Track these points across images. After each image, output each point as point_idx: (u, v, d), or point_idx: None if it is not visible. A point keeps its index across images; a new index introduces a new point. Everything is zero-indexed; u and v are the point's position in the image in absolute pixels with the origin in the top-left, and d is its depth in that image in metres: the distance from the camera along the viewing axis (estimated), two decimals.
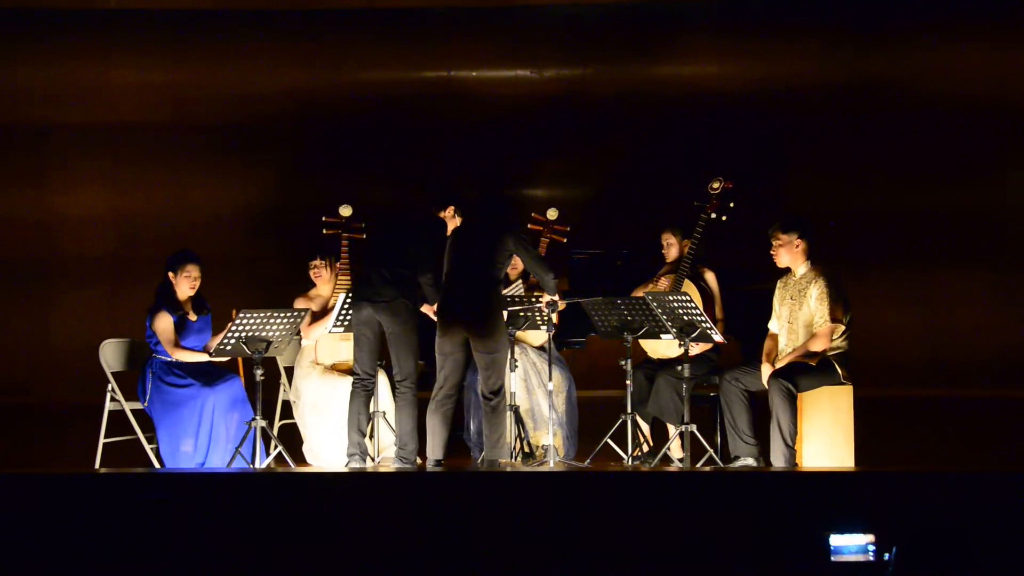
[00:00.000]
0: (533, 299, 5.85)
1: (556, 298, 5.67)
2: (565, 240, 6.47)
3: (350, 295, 5.88)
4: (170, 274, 5.86)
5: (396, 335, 5.57)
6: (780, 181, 7.59)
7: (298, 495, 4.93)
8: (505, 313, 5.68)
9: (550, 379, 5.78)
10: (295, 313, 5.67)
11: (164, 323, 5.79)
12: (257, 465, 5.55)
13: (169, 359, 5.78)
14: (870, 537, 4.49)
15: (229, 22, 7.78)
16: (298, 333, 6.00)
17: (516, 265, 6.24)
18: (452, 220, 5.84)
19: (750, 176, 6.73)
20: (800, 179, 7.58)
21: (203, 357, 5.82)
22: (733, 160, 7.34)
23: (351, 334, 5.75)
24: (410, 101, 7.80)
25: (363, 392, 5.68)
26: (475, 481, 5.19)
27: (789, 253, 5.62)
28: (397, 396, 5.65)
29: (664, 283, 6.08)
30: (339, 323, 5.93)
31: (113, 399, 5.83)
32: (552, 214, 6.44)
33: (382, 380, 5.99)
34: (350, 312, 5.82)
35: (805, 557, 4.57)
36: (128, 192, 7.86)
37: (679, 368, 5.66)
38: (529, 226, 6.45)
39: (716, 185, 6.05)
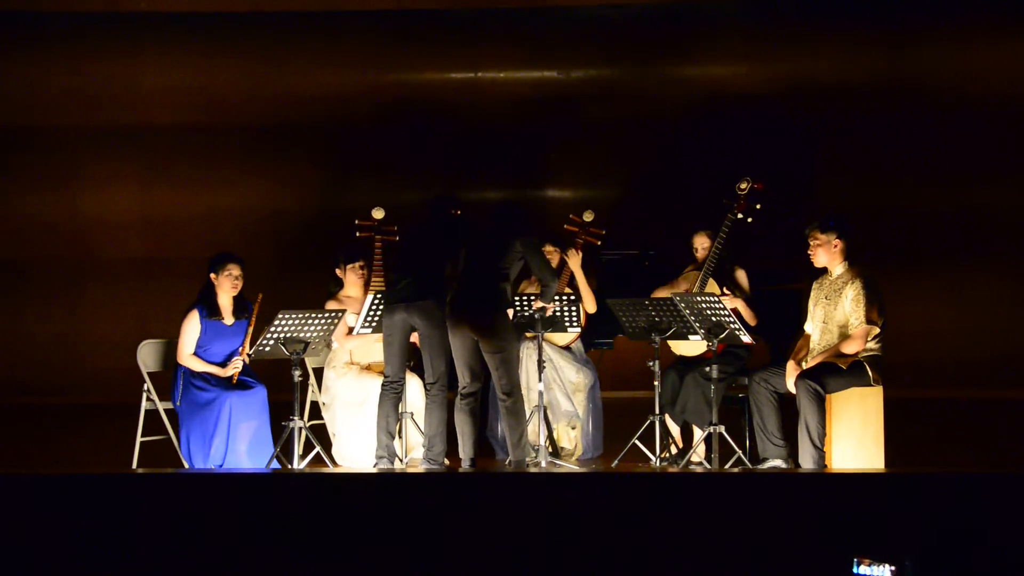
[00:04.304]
0: (526, 300, 5.90)
1: (548, 307, 5.70)
2: (600, 243, 6.48)
3: (379, 296, 5.91)
4: (212, 275, 5.85)
5: (429, 336, 5.60)
6: (811, 181, 7.57)
7: (328, 496, 4.96)
8: (511, 312, 5.73)
9: (537, 371, 5.76)
10: (333, 314, 5.71)
11: (189, 325, 5.79)
12: (295, 466, 5.60)
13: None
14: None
15: (260, 25, 7.84)
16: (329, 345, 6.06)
17: None
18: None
19: (780, 175, 6.70)
20: (830, 179, 7.55)
21: (211, 370, 5.78)
22: (763, 160, 7.32)
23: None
24: (437, 103, 7.83)
25: (392, 395, 5.71)
26: (502, 482, 5.20)
27: (827, 253, 5.59)
28: (428, 398, 5.68)
29: (683, 284, 6.09)
30: (367, 323, 5.97)
31: (149, 399, 5.89)
32: (588, 216, 6.43)
33: (411, 381, 6.03)
34: (378, 313, 5.85)
35: (832, 559, 4.56)
36: (159, 194, 7.93)
37: (707, 369, 5.66)
38: (565, 227, 6.47)
39: (744, 185, 5.99)
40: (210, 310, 5.81)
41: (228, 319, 5.88)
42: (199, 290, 5.87)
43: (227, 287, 5.85)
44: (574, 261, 6.22)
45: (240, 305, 5.91)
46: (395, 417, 5.73)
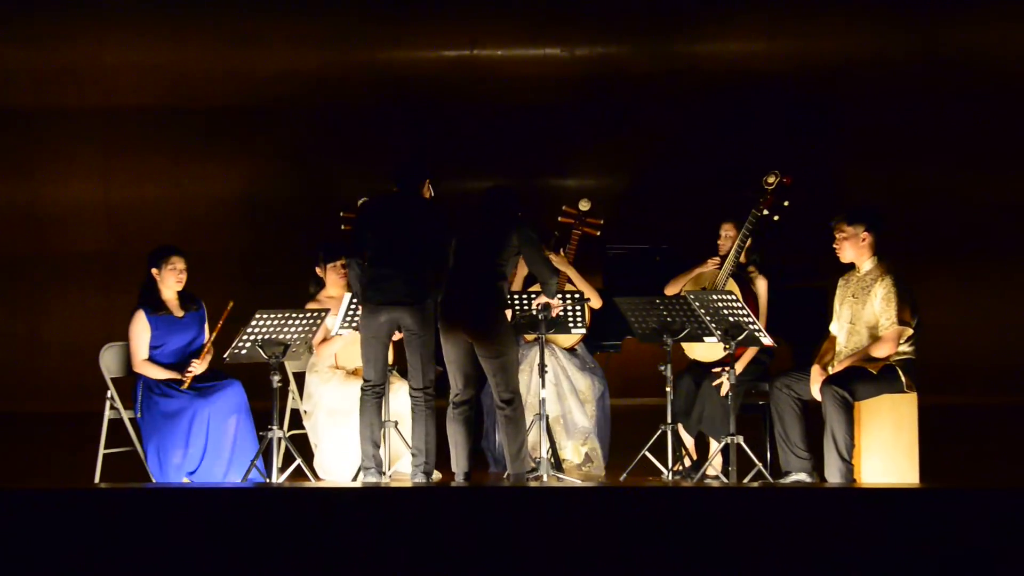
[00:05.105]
0: (528, 297, 5.88)
1: (552, 302, 5.68)
2: (599, 233, 6.46)
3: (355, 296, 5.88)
4: (153, 270, 5.88)
5: (421, 340, 5.57)
6: (834, 168, 7.57)
7: (310, 512, 4.95)
8: (509, 313, 5.71)
9: (539, 377, 5.71)
10: (315, 314, 5.69)
11: (137, 328, 5.80)
12: (274, 479, 5.59)
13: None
14: None
15: None
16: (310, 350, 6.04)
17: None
18: (428, 193, 5.77)
19: (802, 162, 6.69)
20: (856, 166, 7.55)
21: (170, 375, 5.78)
22: (785, 145, 7.32)
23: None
24: (429, 83, 7.83)
25: (376, 400, 5.69)
26: (500, 497, 5.19)
27: (854, 247, 5.58)
28: (415, 405, 5.66)
29: (701, 276, 6.07)
30: (347, 323, 5.95)
31: (112, 407, 5.88)
32: (584, 205, 6.41)
33: (399, 386, 6.01)
34: (357, 312, 5.82)
35: None
36: (123, 182, 7.92)
37: (715, 384, 5.65)
38: (560, 219, 6.45)
39: (771, 180, 5.95)
40: (155, 306, 5.82)
41: (177, 312, 5.88)
42: (139, 289, 5.87)
43: (171, 282, 5.87)
44: (562, 260, 6.21)
45: (187, 298, 5.92)
46: (379, 424, 5.72)
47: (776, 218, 5.94)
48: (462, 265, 5.58)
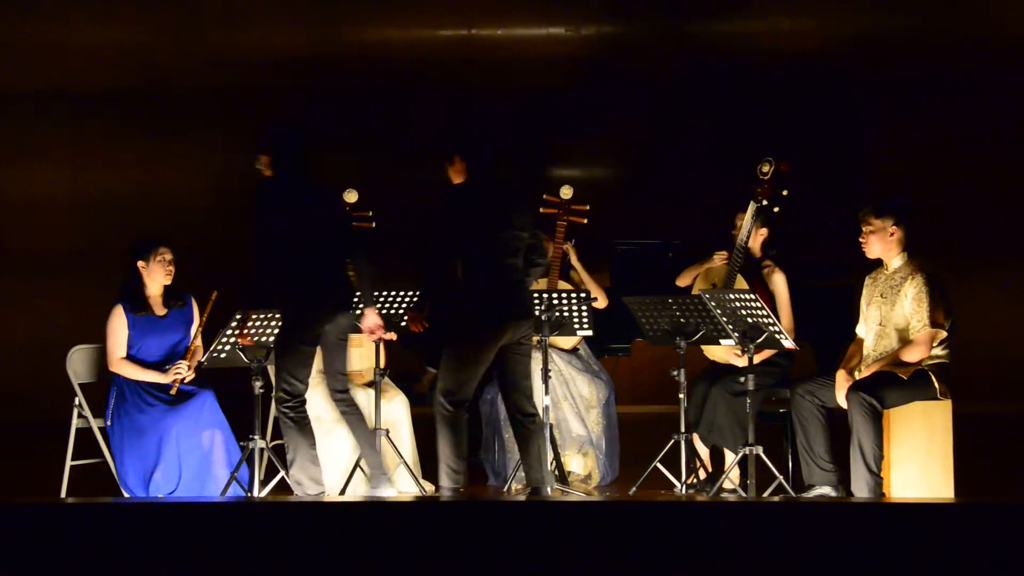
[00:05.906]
0: None
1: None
2: (585, 221, 6.37)
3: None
4: (139, 264, 5.85)
5: (347, 343, 5.57)
6: (866, 157, 7.56)
7: (294, 529, 4.94)
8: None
9: (543, 382, 5.71)
10: None
11: (115, 324, 5.78)
12: (255, 493, 5.57)
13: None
14: None
15: None
16: None
17: None
18: None
19: (831, 151, 6.66)
20: (890, 155, 7.54)
21: (149, 376, 5.75)
22: (811, 132, 7.30)
23: (361, 337, 5.71)
24: (424, 64, 7.83)
25: (306, 414, 5.55)
26: (499, 512, 5.18)
27: (882, 242, 5.57)
28: (347, 409, 5.58)
29: (697, 275, 6.02)
30: None
31: (80, 415, 5.86)
32: (566, 192, 6.29)
33: (394, 394, 6.03)
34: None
35: None
36: (92, 171, 7.92)
37: (741, 379, 5.62)
38: (541, 209, 6.38)
39: (766, 168, 5.92)
40: (135, 304, 5.80)
41: (159, 310, 5.86)
42: (122, 283, 5.85)
43: (160, 275, 5.86)
44: (573, 254, 6.19)
45: (173, 294, 5.89)
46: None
47: (776, 209, 5.91)
48: (499, 260, 5.42)
